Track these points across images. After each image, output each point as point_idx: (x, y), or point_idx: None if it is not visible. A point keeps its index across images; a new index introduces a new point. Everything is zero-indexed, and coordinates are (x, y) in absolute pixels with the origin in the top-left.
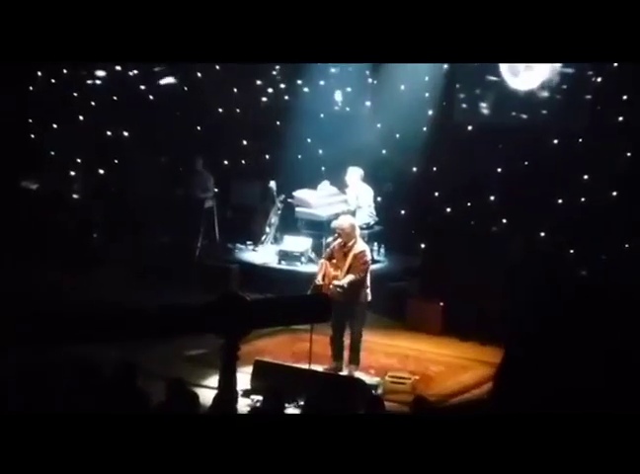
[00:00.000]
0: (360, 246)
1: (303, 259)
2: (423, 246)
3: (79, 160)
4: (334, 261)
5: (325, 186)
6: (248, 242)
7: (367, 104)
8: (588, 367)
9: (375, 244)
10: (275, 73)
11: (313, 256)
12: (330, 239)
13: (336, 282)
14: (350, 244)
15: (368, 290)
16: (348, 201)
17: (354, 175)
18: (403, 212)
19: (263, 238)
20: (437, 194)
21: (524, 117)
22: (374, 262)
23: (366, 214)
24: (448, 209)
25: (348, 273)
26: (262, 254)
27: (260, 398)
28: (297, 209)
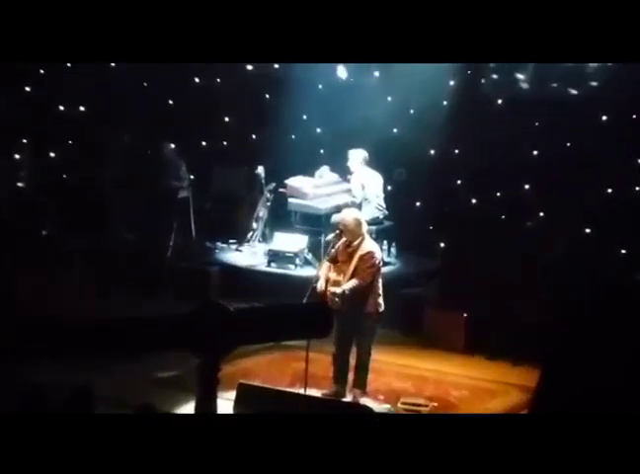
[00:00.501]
0: (368, 245)
1: (298, 260)
2: (442, 245)
3: (25, 141)
4: (339, 264)
5: (324, 172)
6: (231, 240)
7: (376, 73)
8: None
9: (385, 242)
10: None
11: (310, 257)
12: (330, 236)
13: (333, 289)
14: (355, 243)
15: (380, 299)
16: (352, 192)
17: (356, 159)
18: (418, 204)
19: (249, 235)
20: (459, 181)
21: (568, 89)
22: (384, 264)
23: (374, 207)
24: (474, 200)
25: (352, 277)
26: (248, 254)
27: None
28: (291, 201)
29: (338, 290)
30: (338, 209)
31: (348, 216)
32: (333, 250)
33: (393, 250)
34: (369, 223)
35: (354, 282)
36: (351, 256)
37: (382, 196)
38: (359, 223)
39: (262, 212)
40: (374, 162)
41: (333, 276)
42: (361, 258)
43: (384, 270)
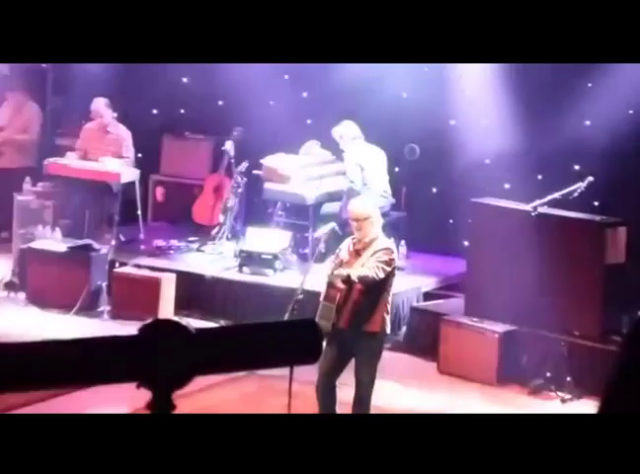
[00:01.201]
0: (384, 241)
1: (278, 264)
2: (466, 243)
3: None
4: (343, 265)
5: (312, 148)
6: (190, 238)
7: None
8: None
9: (392, 240)
10: None
11: (294, 260)
12: (322, 232)
13: (338, 271)
14: (367, 240)
15: (387, 317)
16: (348, 175)
17: (346, 133)
18: (435, 190)
19: (214, 231)
20: (487, 160)
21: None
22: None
23: (376, 194)
24: (507, 186)
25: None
26: (212, 256)
27: None
28: (268, 187)
29: (344, 272)
30: (330, 198)
31: (358, 208)
32: (334, 259)
33: (403, 249)
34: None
35: (365, 271)
36: (358, 253)
37: (387, 178)
38: (372, 218)
39: (231, 202)
40: (378, 135)
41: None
42: (375, 253)
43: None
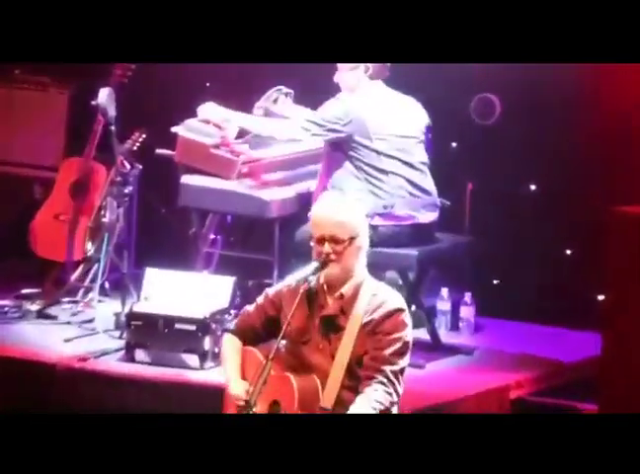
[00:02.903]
0: (386, 295)
1: (208, 344)
2: (600, 297)
3: None
4: (295, 348)
5: (271, 97)
6: (25, 290)
7: None
8: None
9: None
10: None
11: (230, 326)
12: (298, 280)
13: (325, 406)
14: (346, 290)
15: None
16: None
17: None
18: (534, 188)
19: (75, 274)
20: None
21: None
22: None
23: (394, 185)
24: (533, 187)
25: (353, 391)
26: (71, 328)
27: None
28: (188, 181)
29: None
30: (308, 199)
31: (341, 216)
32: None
33: (468, 312)
34: (385, 239)
35: (376, 404)
36: (332, 323)
37: (422, 160)
38: (365, 241)
39: (108, 214)
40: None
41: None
42: (381, 324)
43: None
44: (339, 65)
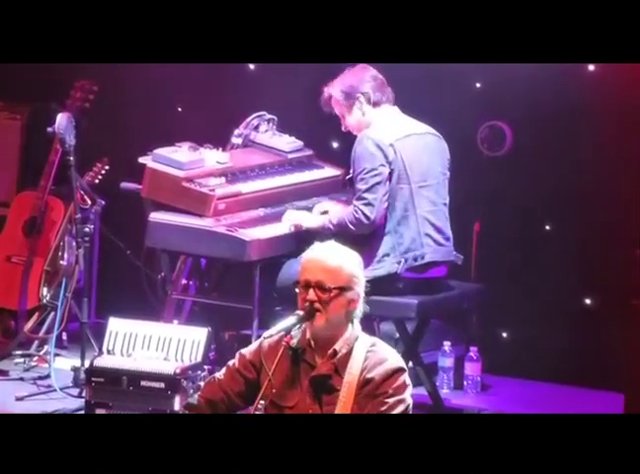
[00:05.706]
0: (385, 354)
1: (177, 403)
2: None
3: None
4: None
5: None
6: None
7: None
8: None
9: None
10: None
11: (201, 380)
12: (277, 332)
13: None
14: (339, 347)
15: None
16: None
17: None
18: (548, 228)
19: (29, 325)
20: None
21: None
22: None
23: (413, 235)
24: (548, 227)
25: None
26: (23, 385)
27: None
28: (157, 219)
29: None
30: (299, 241)
31: (332, 260)
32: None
33: (473, 369)
34: (381, 285)
35: None
36: (326, 389)
37: (445, 201)
38: (360, 290)
39: (67, 256)
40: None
41: None
42: (381, 386)
43: None
44: (335, 105)
